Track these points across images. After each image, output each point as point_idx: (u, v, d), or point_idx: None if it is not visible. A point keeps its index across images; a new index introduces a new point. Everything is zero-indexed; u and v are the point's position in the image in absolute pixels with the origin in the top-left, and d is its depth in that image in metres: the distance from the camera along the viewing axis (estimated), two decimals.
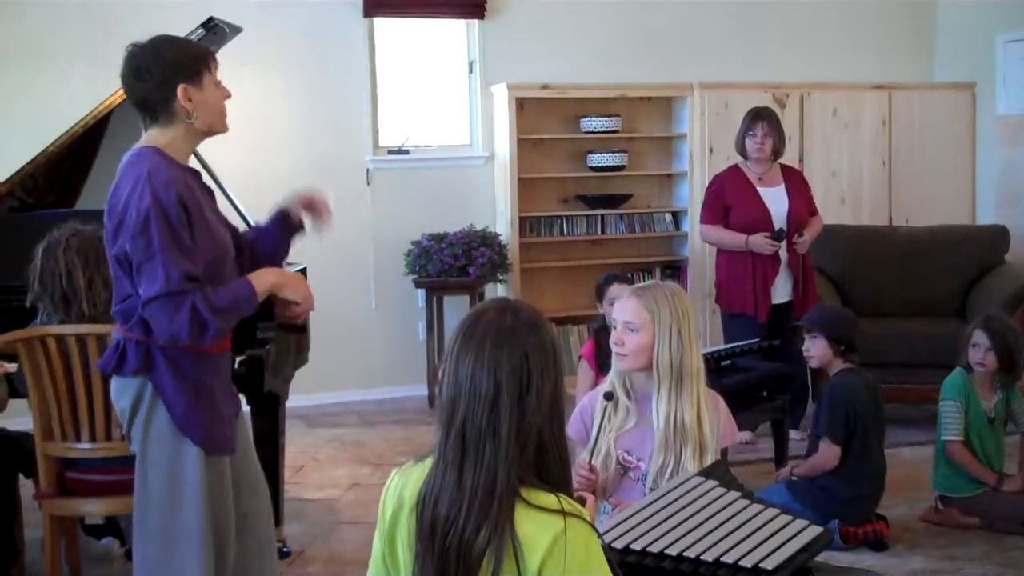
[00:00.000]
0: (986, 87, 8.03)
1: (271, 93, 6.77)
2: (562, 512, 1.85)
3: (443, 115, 7.61)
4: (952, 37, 8.39)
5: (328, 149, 7.03)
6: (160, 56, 2.84)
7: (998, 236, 6.76)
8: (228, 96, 2.96)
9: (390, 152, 7.32)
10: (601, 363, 4.58)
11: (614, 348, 2.86)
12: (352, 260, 7.17)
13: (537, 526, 1.85)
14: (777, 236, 5.67)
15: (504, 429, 1.87)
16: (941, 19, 8.48)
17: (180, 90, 2.83)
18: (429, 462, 1.97)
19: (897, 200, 8.00)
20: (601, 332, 4.75)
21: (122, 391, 2.89)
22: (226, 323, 2.80)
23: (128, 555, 4.17)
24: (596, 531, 1.90)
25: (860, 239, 6.93)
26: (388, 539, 2.02)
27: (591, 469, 2.81)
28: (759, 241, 5.65)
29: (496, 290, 7.49)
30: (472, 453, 1.89)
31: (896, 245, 6.86)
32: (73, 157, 4.88)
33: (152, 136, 2.89)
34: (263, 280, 2.92)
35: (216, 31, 4.67)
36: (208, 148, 5.18)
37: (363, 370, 7.18)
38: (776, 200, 5.79)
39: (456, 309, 7.28)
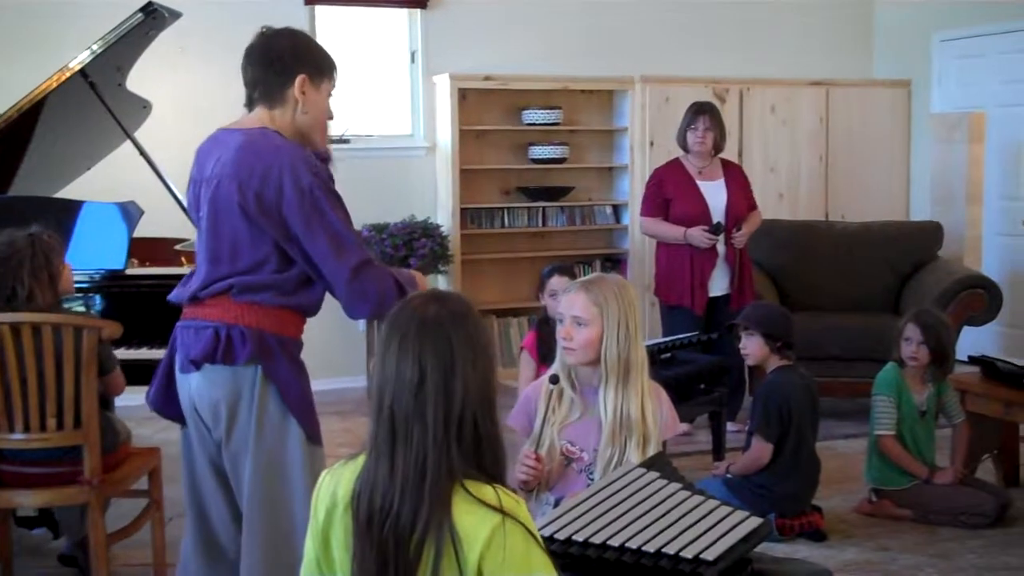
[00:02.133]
0: (921, 85, 8.16)
1: (210, 80, 6.68)
2: (500, 510, 1.86)
3: (384, 105, 7.57)
4: (889, 35, 8.52)
5: None
6: (293, 43, 2.84)
7: (932, 232, 6.87)
8: (332, 117, 2.97)
9: (331, 141, 7.25)
10: (543, 355, 4.59)
11: (562, 342, 2.87)
12: None
13: (476, 519, 1.85)
14: (715, 230, 5.72)
15: (430, 413, 1.88)
16: (879, 17, 8.60)
17: (300, 79, 2.81)
18: (361, 459, 1.96)
19: (833, 196, 8.10)
20: (543, 324, 4.76)
21: (223, 382, 2.76)
22: (408, 291, 2.78)
23: (66, 559, 4.10)
24: (532, 533, 1.89)
25: (797, 234, 7.00)
26: (322, 540, 2.00)
27: (537, 459, 2.81)
28: (697, 234, 5.70)
29: (437, 281, 7.47)
30: (401, 439, 1.89)
31: (832, 240, 6.94)
32: (6, 143, 4.78)
33: (261, 117, 2.84)
34: (421, 278, 3.00)
35: (155, 16, 4.61)
36: (146, 136, 5.16)
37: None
38: (715, 194, 5.84)
39: None
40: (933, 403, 4.77)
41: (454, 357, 1.90)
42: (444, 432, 1.88)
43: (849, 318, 6.41)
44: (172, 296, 2.92)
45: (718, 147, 5.92)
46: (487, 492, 1.88)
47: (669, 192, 5.88)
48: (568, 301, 2.88)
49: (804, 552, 4.23)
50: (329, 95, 2.91)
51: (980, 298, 6.19)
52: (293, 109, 2.83)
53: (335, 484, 2.00)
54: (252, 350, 2.73)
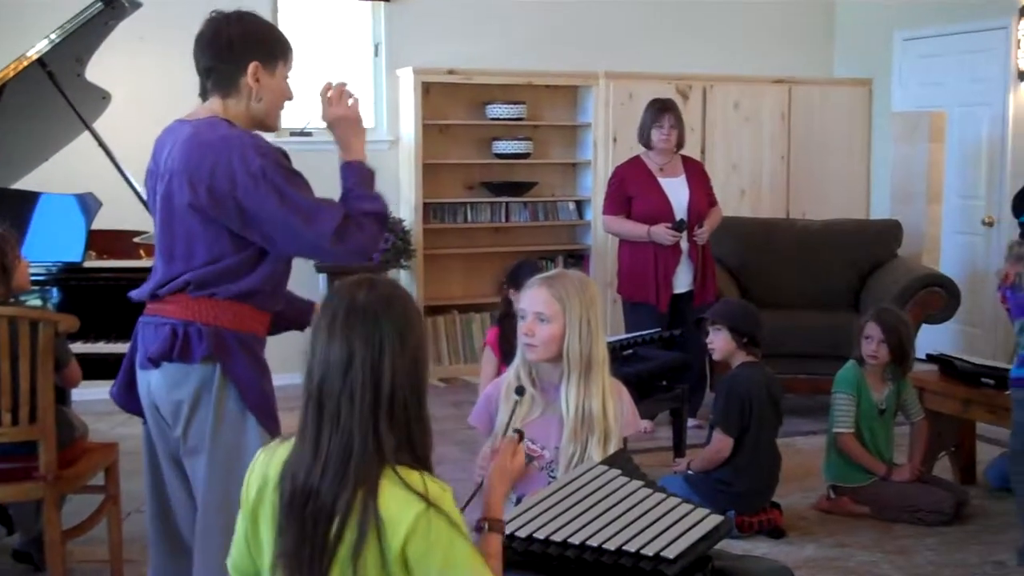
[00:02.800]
0: (882, 83, 8.22)
1: (171, 70, 6.56)
2: (425, 498, 1.88)
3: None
4: (851, 33, 8.57)
5: None
6: (243, 27, 2.77)
7: (891, 230, 6.92)
8: (291, 98, 2.89)
9: (292, 134, 7.21)
10: (505, 352, 4.58)
11: (524, 339, 2.85)
12: None
13: (401, 504, 1.87)
14: (678, 227, 5.73)
15: (358, 395, 1.90)
16: (840, 15, 8.66)
17: (252, 66, 2.75)
18: (294, 440, 1.98)
19: (795, 193, 8.15)
20: (505, 319, 4.75)
21: (181, 380, 2.73)
22: (383, 202, 2.84)
23: (20, 555, 4.05)
24: (456, 523, 1.91)
25: (759, 232, 7.04)
26: (251, 518, 2.02)
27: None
28: (660, 232, 5.71)
29: (399, 276, 7.45)
30: (328, 420, 1.92)
31: (793, 238, 6.98)
32: None
33: (214, 107, 2.78)
34: (356, 150, 2.89)
35: (115, 5, 4.55)
36: (105, 125, 5.10)
37: (266, 355, 7.08)
38: (677, 191, 5.85)
39: None
40: (892, 401, 4.81)
41: (383, 341, 1.92)
42: (372, 414, 1.90)
43: (810, 315, 6.44)
44: (134, 293, 2.88)
45: (680, 144, 5.93)
46: (414, 478, 1.90)
47: (631, 190, 5.88)
48: (530, 297, 2.86)
49: (763, 549, 4.25)
50: (286, 78, 2.85)
51: (938, 296, 6.24)
52: (248, 97, 2.77)
53: (268, 462, 2.01)
54: (209, 348, 2.70)
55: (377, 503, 1.86)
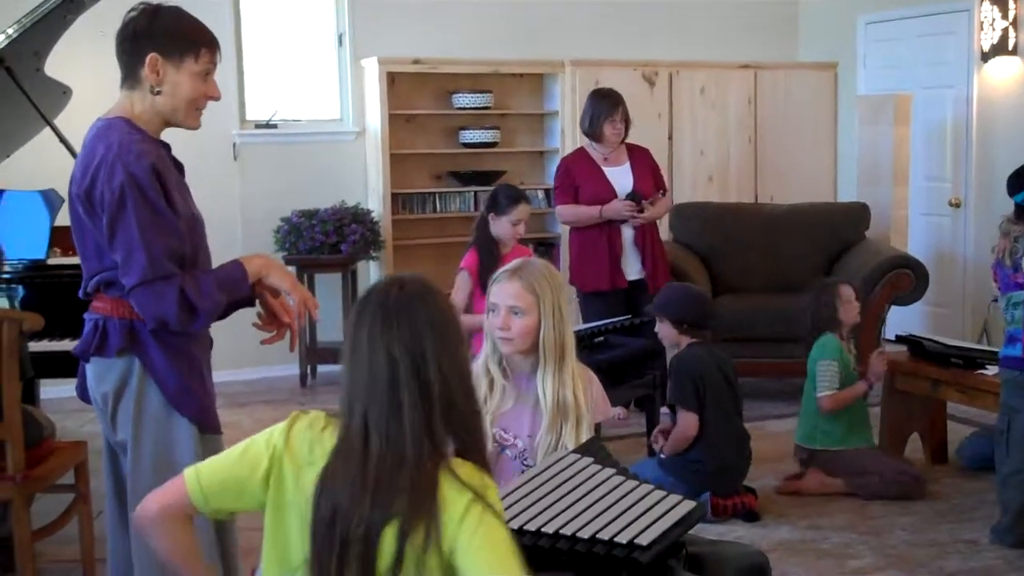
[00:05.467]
0: (847, 67, 8.25)
1: None
2: (474, 490, 1.86)
3: (312, 89, 7.48)
4: (815, 18, 8.60)
5: None
6: (150, 21, 2.71)
7: (859, 213, 6.95)
8: (213, 97, 2.80)
9: (257, 126, 7.17)
10: (485, 278, 4.58)
11: (499, 333, 2.82)
12: (220, 238, 6.86)
13: (453, 496, 1.85)
14: (633, 197, 5.67)
15: (407, 404, 1.87)
16: (804, 0, 8.67)
17: (149, 58, 2.68)
18: (332, 433, 1.94)
19: (762, 178, 8.16)
20: (483, 244, 4.81)
21: (104, 374, 2.74)
22: (215, 306, 2.69)
23: None
24: (499, 515, 1.89)
25: (726, 216, 7.05)
26: (276, 483, 1.96)
27: None
28: (615, 206, 5.64)
29: (369, 267, 7.43)
30: (376, 441, 1.87)
31: (761, 222, 7.00)
32: None
33: (122, 103, 2.75)
34: (253, 263, 2.81)
35: None
36: (67, 120, 5.04)
37: (232, 350, 6.99)
38: (621, 178, 5.79)
39: (328, 287, 7.19)
40: (857, 363, 4.91)
41: (422, 342, 1.89)
42: (426, 421, 1.87)
43: (778, 299, 6.46)
44: (80, 292, 2.87)
45: (626, 136, 5.91)
46: (466, 471, 1.89)
47: (577, 179, 5.84)
48: (502, 291, 2.83)
49: (738, 532, 4.27)
50: (199, 75, 2.74)
51: (907, 278, 6.27)
52: (149, 92, 2.71)
53: (311, 441, 1.96)
54: (122, 342, 2.70)
55: (436, 506, 1.83)
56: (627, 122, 5.82)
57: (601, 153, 5.84)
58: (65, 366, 3.93)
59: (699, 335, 4.58)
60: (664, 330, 4.64)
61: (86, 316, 2.80)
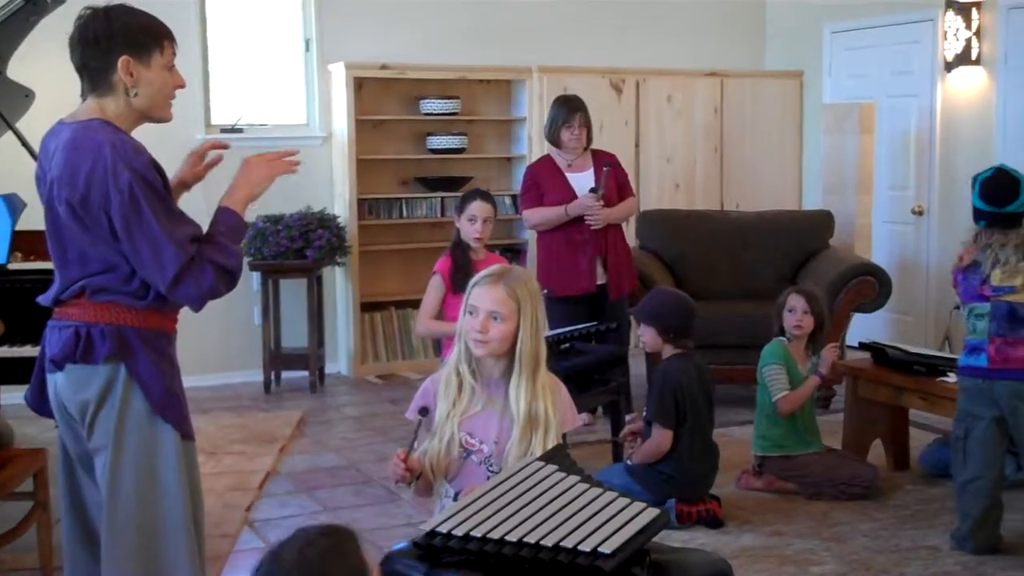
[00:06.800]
0: (813, 76, 8.31)
1: None
2: None
3: (279, 93, 7.45)
4: (781, 27, 8.66)
5: (157, 126, 6.77)
6: (108, 22, 2.68)
7: (823, 221, 6.99)
8: (180, 85, 2.79)
9: (223, 131, 7.12)
10: (457, 283, 4.59)
11: (476, 336, 2.80)
12: None
13: None
14: (596, 189, 5.67)
15: None
16: (770, 9, 8.74)
17: (122, 61, 2.66)
18: None
19: (728, 185, 8.21)
20: (457, 248, 4.80)
21: (86, 381, 2.69)
22: (241, 258, 2.76)
23: None
24: None
25: (693, 223, 7.07)
26: None
27: (406, 459, 2.77)
28: (580, 202, 5.65)
29: (335, 273, 7.40)
30: None
31: (727, 229, 7.03)
32: None
33: (92, 107, 2.71)
34: (236, 199, 2.83)
35: (37, 1, 4.45)
36: (29, 126, 4.98)
37: (196, 356, 6.98)
38: (584, 185, 5.79)
39: (293, 292, 7.16)
40: (814, 372, 4.94)
41: None
42: None
43: (744, 306, 6.48)
44: (41, 299, 2.83)
45: (589, 140, 5.91)
46: None
47: (543, 186, 5.85)
48: (483, 295, 2.81)
49: (702, 539, 4.28)
50: (167, 67, 2.75)
51: (870, 285, 6.31)
52: (124, 94, 2.70)
53: None
54: (111, 348, 2.67)
55: None
56: (588, 128, 5.82)
57: (565, 160, 5.85)
58: (26, 372, 3.91)
59: (682, 344, 4.59)
60: (648, 337, 4.60)
61: (57, 323, 2.75)
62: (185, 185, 3.02)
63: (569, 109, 5.81)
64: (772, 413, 4.86)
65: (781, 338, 4.95)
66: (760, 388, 4.94)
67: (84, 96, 2.75)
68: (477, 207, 4.81)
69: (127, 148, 2.63)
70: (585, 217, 5.65)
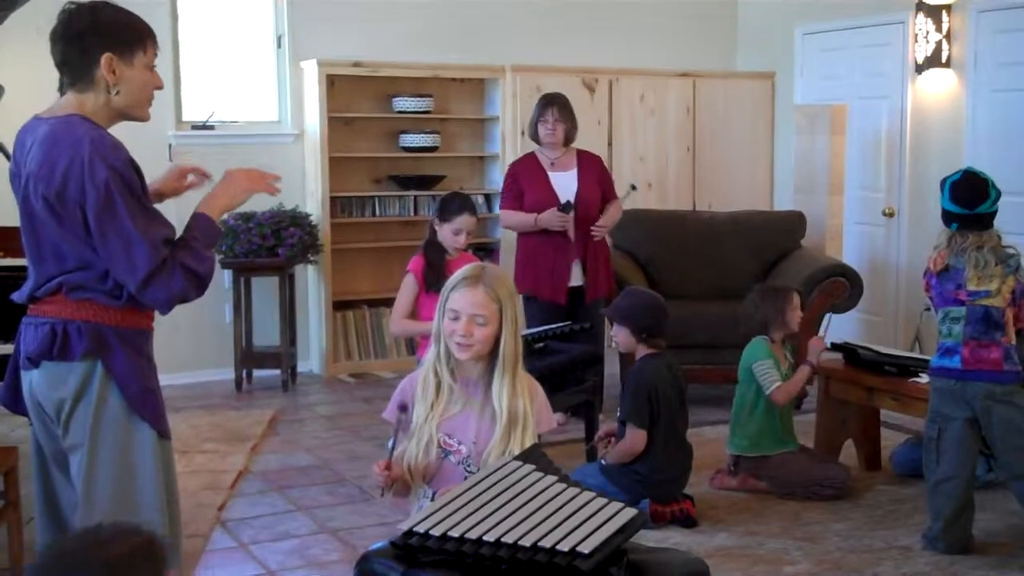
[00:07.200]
0: (785, 77, 8.35)
1: None
2: None
3: (250, 90, 7.40)
4: (753, 28, 8.69)
5: (128, 123, 6.73)
6: (93, 19, 2.66)
7: (795, 221, 7.03)
8: (159, 86, 2.80)
9: (194, 127, 7.08)
10: (430, 282, 4.61)
11: (460, 339, 2.79)
12: None
13: None
14: (564, 208, 5.68)
15: None
16: (743, 10, 8.77)
17: (105, 58, 2.65)
18: None
19: (700, 185, 8.23)
20: (431, 248, 4.81)
21: (62, 378, 2.67)
22: (212, 264, 2.76)
23: None
24: None
25: (665, 223, 7.08)
26: None
27: (388, 467, 2.76)
28: (548, 216, 5.68)
29: (307, 271, 7.36)
30: None
31: (699, 229, 7.04)
32: None
33: (71, 103, 2.69)
34: (213, 207, 2.85)
35: None
36: (0, 121, 4.94)
37: (168, 354, 6.90)
38: (565, 184, 5.82)
39: (265, 290, 7.12)
40: (791, 372, 4.97)
41: None
42: None
43: (716, 306, 6.50)
44: (15, 296, 2.82)
45: (569, 138, 5.90)
46: None
47: (522, 184, 5.86)
48: (464, 299, 2.79)
49: (676, 538, 4.29)
50: (149, 67, 2.75)
51: (842, 286, 6.34)
52: (105, 91, 2.70)
53: None
54: (89, 345, 2.66)
55: None
56: (565, 125, 5.82)
57: (548, 158, 5.86)
58: None
59: (655, 344, 4.59)
60: (622, 337, 4.61)
61: (32, 320, 2.73)
62: (160, 196, 3.02)
63: (543, 103, 5.83)
64: (754, 410, 4.87)
65: (764, 336, 4.96)
66: (741, 385, 4.95)
67: (63, 91, 2.73)
68: (465, 222, 4.81)
69: (106, 145, 2.62)
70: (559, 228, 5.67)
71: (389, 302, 7.36)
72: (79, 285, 2.67)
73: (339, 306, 7.38)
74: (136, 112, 2.78)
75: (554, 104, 5.83)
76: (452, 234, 4.79)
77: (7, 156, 4.64)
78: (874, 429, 5.23)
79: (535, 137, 5.89)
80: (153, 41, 2.77)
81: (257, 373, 7.15)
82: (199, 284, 2.71)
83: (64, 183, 2.58)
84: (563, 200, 5.70)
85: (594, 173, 5.91)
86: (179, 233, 2.77)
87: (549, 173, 5.82)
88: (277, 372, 6.99)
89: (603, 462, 4.59)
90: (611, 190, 6.01)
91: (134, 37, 2.72)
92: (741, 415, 4.94)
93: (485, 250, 7.72)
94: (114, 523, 1.72)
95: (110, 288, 2.68)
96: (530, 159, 5.93)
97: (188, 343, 7.01)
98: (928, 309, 4.53)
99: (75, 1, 2.72)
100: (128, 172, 2.62)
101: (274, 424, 6.14)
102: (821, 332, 5.06)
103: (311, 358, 7.49)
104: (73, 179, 2.58)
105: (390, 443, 2.84)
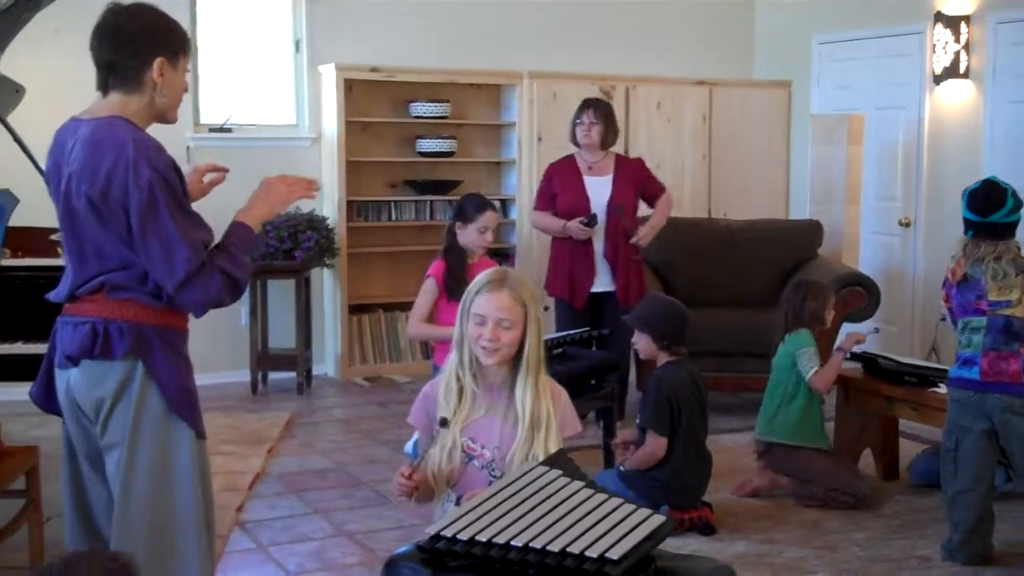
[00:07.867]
0: (801, 86, 8.34)
1: (87, 64, 6.43)
2: None
3: (268, 94, 7.42)
4: (770, 37, 8.68)
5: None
6: (145, 22, 2.71)
7: (812, 230, 7.01)
8: (187, 89, 2.85)
9: (212, 130, 7.09)
10: (451, 288, 4.61)
11: (487, 344, 2.78)
12: None
13: None
14: (588, 222, 5.70)
15: None
16: (760, 19, 8.76)
17: (158, 63, 2.69)
18: None
19: (716, 193, 8.23)
20: (451, 253, 4.81)
21: (102, 377, 2.69)
22: (248, 271, 2.79)
23: None
24: None
25: (682, 231, 7.05)
26: None
27: (410, 476, 2.75)
28: (573, 227, 5.72)
29: (323, 275, 7.37)
30: None
31: (716, 237, 7.04)
32: None
33: (114, 104, 2.72)
34: (252, 216, 2.88)
35: None
36: (20, 119, 4.95)
37: None
38: (599, 189, 5.84)
39: (281, 293, 7.12)
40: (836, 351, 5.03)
41: None
42: None
43: (733, 314, 6.49)
44: (51, 295, 2.83)
45: (606, 141, 5.92)
46: None
47: (556, 186, 5.89)
48: (489, 304, 2.79)
49: (694, 546, 4.28)
50: (185, 70, 2.81)
51: (860, 295, 6.33)
52: (151, 93, 2.73)
53: None
54: (130, 344, 2.68)
55: None
56: (601, 127, 5.82)
57: (587, 161, 5.88)
58: (15, 369, 3.88)
59: (676, 351, 4.58)
60: (642, 344, 4.60)
61: (71, 319, 2.74)
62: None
63: (583, 105, 5.87)
64: (792, 401, 4.87)
65: (807, 329, 4.97)
66: (779, 374, 4.93)
67: (104, 91, 2.74)
68: (489, 218, 4.84)
69: (149, 147, 2.65)
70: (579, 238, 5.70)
71: (404, 306, 7.41)
72: (121, 285, 2.68)
73: (355, 310, 7.39)
74: (171, 115, 2.81)
75: (590, 107, 5.86)
76: (478, 233, 4.79)
77: (28, 154, 4.67)
78: (893, 439, 5.21)
79: (573, 140, 5.92)
80: (188, 46, 2.82)
81: (272, 376, 7.15)
82: (235, 289, 2.73)
83: (108, 183, 2.60)
84: (592, 210, 5.74)
85: (631, 178, 5.92)
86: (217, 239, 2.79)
87: (585, 177, 5.84)
88: (292, 375, 6.99)
89: (621, 468, 4.59)
90: (654, 186, 6.00)
91: (179, 41, 2.77)
92: (774, 404, 4.91)
93: (502, 255, 7.71)
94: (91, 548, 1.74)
95: (151, 289, 2.69)
96: (568, 161, 5.95)
97: (204, 345, 6.95)
98: (944, 319, 4.50)
99: (120, 2, 2.74)
100: (170, 174, 2.65)
101: (290, 427, 6.15)
102: (838, 343, 5.05)
103: (326, 361, 7.49)
104: (117, 180, 2.59)
105: (408, 446, 2.84)
